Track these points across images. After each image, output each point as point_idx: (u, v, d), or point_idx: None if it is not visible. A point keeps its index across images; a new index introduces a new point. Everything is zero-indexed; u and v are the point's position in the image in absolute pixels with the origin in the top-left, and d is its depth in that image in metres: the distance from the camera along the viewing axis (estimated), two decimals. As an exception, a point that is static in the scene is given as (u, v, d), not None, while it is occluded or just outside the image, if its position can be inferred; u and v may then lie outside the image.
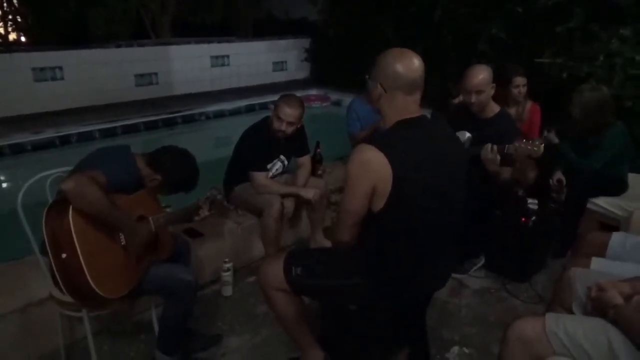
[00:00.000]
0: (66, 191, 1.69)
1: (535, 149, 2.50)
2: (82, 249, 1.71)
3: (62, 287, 1.77)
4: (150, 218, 2.01)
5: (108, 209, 1.77)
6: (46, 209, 1.77)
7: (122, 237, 1.89)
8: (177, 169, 2.12)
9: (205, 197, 2.34)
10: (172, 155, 2.13)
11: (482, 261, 3.04)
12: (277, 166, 3.06)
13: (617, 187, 3.15)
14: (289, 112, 2.80)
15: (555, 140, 3.26)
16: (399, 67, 1.60)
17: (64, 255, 1.72)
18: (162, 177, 2.08)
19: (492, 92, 2.76)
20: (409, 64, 1.61)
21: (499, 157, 2.60)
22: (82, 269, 1.70)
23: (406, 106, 1.63)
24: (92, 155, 1.99)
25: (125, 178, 1.95)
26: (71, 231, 1.70)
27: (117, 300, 1.86)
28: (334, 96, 7.67)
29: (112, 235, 1.86)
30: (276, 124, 2.83)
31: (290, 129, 2.84)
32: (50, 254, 1.75)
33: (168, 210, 2.21)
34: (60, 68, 6.35)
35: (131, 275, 1.90)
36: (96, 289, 1.72)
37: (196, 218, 2.32)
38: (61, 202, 1.74)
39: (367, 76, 1.71)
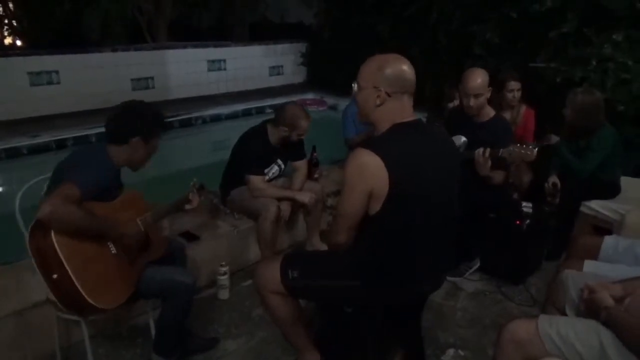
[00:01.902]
0: (43, 220, 1.65)
1: (528, 152, 2.52)
2: (72, 267, 1.68)
3: (61, 305, 1.77)
4: (137, 219, 1.98)
5: (90, 223, 1.74)
6: (29, 231, 1.73)
7: (111, 245, 1.86)
8: (138, 120, 1.96)
9: (191, 184, 2.33)
10: (126, 116, 1.97)
11: (477, 264, 3.06)
12: (273, 170, 3.08)
13: (610, 191, 3.18)
14: (308, 126, 2.92)
15: (554, 139, 3.26)
16: (404, 70, 1.61)
17: (54, 276, 1.69)
18: (140, 137, 1.96)
19: (489, 95, 2.78)
20: (408, 66, 1.63)
21: (489, 162, 2.62)
22: (77, 288, 1.68)
23: (406, 108, 1.64)
24: (65, 162, 1.92)
25: (101, 180, 1.86)
26: (57, 252, 1.67)
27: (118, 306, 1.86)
28: (330, 100, 7.69)
29: (100, 246, 1.83)
30: (294, 138, 2.94)
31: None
32: (41, 275, 1.73)
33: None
34: (57, 72, 6.35)
35: (127, 281, 1.89)
36: (95, 304, 1.71)
37: (187, 206, 2.28)
38: (42, 223, 1.69)
39: (355, 87, 1.67)
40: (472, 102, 2.72)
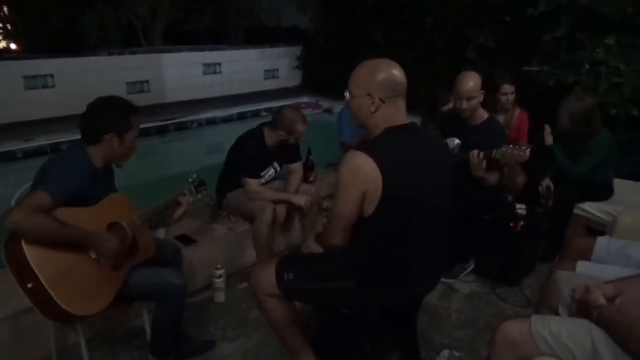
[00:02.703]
0: (10, 230, 1.64)
1: (521, 153, 2.55)
2: (45, 276, 1.67)
3: (41, 314, 1.75)
4: (123, 223, 1.94)
5: (60, 233, 1.70)
6: (4, 242, 1.72)
7: (91, 250, 1.83)
8: (106, 116, 1.92)
9: (190, 180, 2.29)
10: (94, 113, 1.94)
11: (471, 266, 3.08)
12: (269, 173, 3.09)
13: (604, 192, 3.21)
14: (305, 129, 2.96)
15: (550, 139, 3.30)
16: (394, 74, 1.63)
17: (29, 285, 1.68)
18: (113, 132, 1.92)
19: (482, 98, 2.81)
20: (398, 69, 1.65)
21: (484, 163, 2.65)
22: (51, 296, 1.67)
23: (400, 111, 1.66)
24: (43, 166, 1.88)
25: (78, 182, 1.82)
26: (28, 262, 1.65)
27: (102, 311, 1.83)
28: (326, 103, 7.72)
29: (79, 253, 1.80)
30: (292, 141, 2.98)
31: None
32: (18, 285, 1.72)
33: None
34: (52, 76, 6.35)
35: (110, 285, 1.86)
36: (71, 312, 1.70)
37: (178, 211, 2.21)
38: (14, 234, 1.68)
39: (347, 95, 1.69)
40: (465, 104, 2.76)
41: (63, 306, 1.68)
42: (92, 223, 1.83)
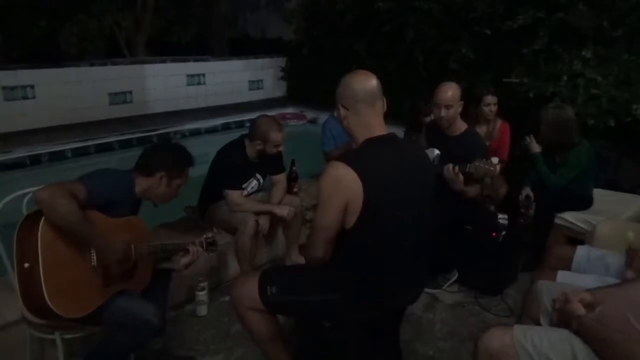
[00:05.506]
0: (38, 201, 1.67)
1: (491, 168, 2.60)
2: (45, 260, 1.68)
3: (20, 298, 1.74)
4: (132, 245, 1.92)
5: (79, 224, 1.72)
6: (22, 219, 1.76)
7: (93, 257, 1.83)
8: (169, 155, 2.12)
9: (203, 236, 2.31)
10: (158, 149, 2.14)
11: (455, 276, 3.10)
12: (252, 184, 3.08)
13: (583, 203, 3.27)
14: (281, 137, 2.93)
15: (536, 148, 3.33)
16: (354, 83, 1.71)
17: (26, 265, 1.69)
18: (165, 172, 2.05)
19: (460, 109, 2.85)
20: (362, 79, 1.72)
21: (461, 177, 2.67)
22: (40, 281, 1.67)
23: (370, 119, 1.70)
24: (90, 172, 1.94)
25: (112, 193, 1.90)
26: (37, 241, 1.68)
27: (72, 321, 1.79)
28: (310, 114, 7.75)
29: (82, 253, 1.81)
30: (270, 150, 2.94)
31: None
32: (15, 264, 1.72)
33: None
34: (32, 87, 6.26)
35: (94, 297, 1.83)
36: (50, 304, 1.68)
37: (184, 259, 2.22)
38: (36, 213, 1.73)
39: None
40: (443, 112, 2.79)
41: (46, 296, 1.67)
42: (104, 232, 1.83)
